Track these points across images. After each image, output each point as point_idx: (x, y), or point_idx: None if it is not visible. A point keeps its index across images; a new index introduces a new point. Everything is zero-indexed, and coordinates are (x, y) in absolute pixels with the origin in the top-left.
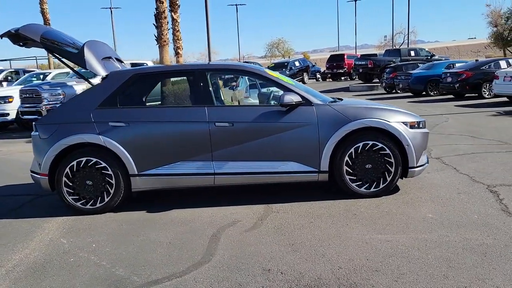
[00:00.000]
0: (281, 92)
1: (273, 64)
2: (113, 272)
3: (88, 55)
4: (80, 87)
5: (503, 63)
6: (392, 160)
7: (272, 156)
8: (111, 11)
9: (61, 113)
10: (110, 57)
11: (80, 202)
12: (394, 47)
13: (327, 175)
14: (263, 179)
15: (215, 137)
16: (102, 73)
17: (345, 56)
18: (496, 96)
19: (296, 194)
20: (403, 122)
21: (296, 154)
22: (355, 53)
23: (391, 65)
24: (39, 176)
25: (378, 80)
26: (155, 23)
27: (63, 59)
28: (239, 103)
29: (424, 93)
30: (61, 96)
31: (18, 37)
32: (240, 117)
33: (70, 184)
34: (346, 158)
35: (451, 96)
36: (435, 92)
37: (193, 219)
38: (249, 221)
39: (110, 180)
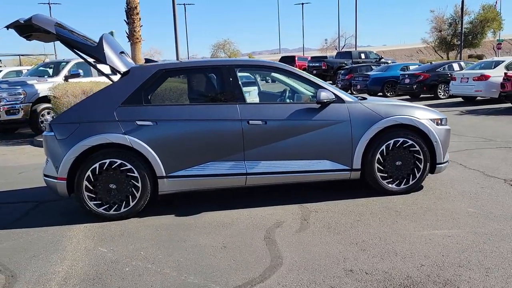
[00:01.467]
0: (302, 90)
1: None
2: (185, 280)
3: (107, 49)
4: (42, 86)
5: (455, 66)
6: (421, 157)
7: (305, 155)
8: (50, 7)
9: (80, 111)
10: (123, 52)
11: (103, 207)
12: (338, 50)
13: (359, 173)
14: (296, 179)
15: (248, 135)
16: (122, 68)
17: (296, 58)
18: (451, 96)
19: (324, 193)
20: (430, 119)
21: (329, 152)
22: (303, 55)
23: (346, 67)
24: (55, 181)
25: (331, 82)
26: (126, 20)
27: (79, 53)
28: None
29: (380, 93)
30: (22, 96)
31: (27, 28)
32: (274, 114)
33: (92, 188)
34: (378, 155)
35: (407, 96)
36: (392, 93)
37: (232, 221)
38: (293, 221)
39: (136, 183)
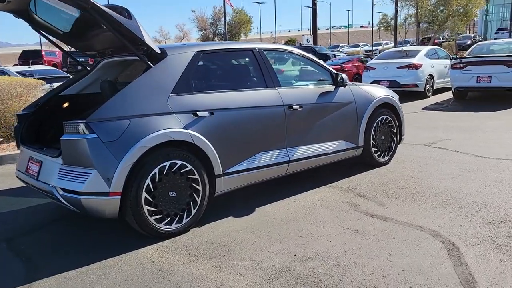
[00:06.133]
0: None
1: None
2: (393, 263)
3: (141, 27)
4: None
5: None
6: (395, 130)
7: (330, 137)
8: None
9: (124, 103)
10: None
11: (164, 222)
12: None
13: (361, 150)
14: (324, 160)
15: (289, 121)
16: (157, 48)
17: (43, 53)
18: None
19: (323, 172)
20: (397, 98)
21: (344, 132)
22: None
23: None
24: (106, 198)
25: None
26: None
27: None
28: None
29: None
30: None
31: None
32: (306, 98)
33: (151, 200)
34: (372, 132)
35: None
36: None
37: (306, 210)
38: (359, 200)
39: (197, 186)
